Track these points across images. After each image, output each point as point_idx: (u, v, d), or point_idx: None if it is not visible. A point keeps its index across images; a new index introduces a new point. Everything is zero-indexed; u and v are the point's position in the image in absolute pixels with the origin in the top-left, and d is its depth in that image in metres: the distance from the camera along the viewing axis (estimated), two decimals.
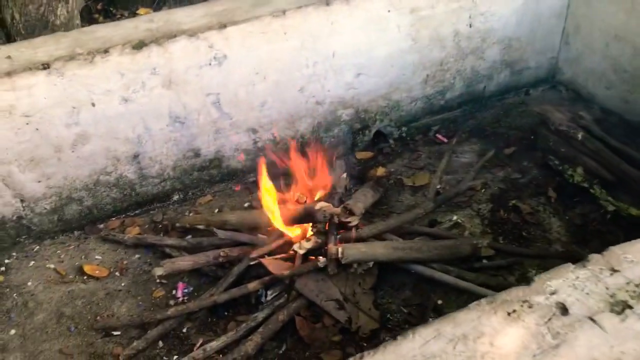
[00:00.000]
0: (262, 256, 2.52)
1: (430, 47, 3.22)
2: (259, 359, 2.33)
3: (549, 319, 1.32)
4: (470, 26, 3.24)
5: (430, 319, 2.46)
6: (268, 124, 3.05)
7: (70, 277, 2.71)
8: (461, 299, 2.53)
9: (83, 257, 2.81)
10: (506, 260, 2.66)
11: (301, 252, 2.47)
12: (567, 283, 1.42)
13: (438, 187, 3.03)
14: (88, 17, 5.18)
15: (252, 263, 2.51)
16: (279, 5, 2.78)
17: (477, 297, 2.50)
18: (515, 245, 2.78)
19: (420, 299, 2.55)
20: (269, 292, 2.47)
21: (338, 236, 2.51)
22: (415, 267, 2.55)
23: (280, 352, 2.36)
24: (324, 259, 2.44)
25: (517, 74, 3.64)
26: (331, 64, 2.99)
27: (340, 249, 2.36)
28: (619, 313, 1.32)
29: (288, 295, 2.44)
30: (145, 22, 2.68)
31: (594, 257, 1.49)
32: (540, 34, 3.51)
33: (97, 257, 2.81)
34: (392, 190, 3.15)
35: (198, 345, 2.37)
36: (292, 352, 2.36)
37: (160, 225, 2.97)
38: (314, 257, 2.53)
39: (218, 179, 3.13)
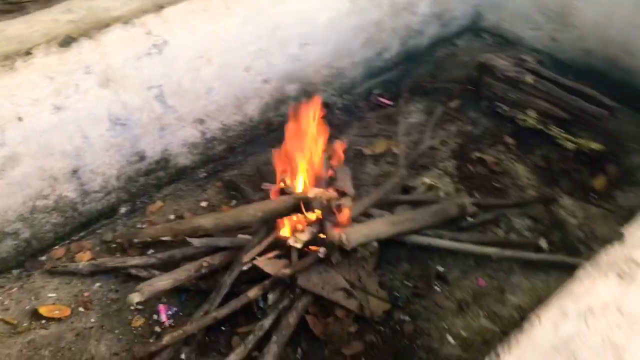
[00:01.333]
0: (254, 258, 2.28)
1: (368, 7, 3.06)
2: None
3: None
4: None
5: (437, 288, 2.41)
6: (215, 112, 2.75)
7: (25, 324, 2.29)
8: (459, 261, 2.48)
9: (33, 298, 2.38)
10: (491, 214, 2.65)
11: (298, 245, 2.26)
12: None
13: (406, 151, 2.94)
14: None
15: (245, 268, 2.26)
16: None
17: (475, 257, 2.49)
18: (492, 197, 2.78)
19: (420, 269, 2.46)
20: (269, 296, 2.25)
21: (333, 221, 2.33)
22: (411, 238, 2.45)
23: (298, 356, 2.17)
24: (324, 248, 2.26)
25: (445, 26, 3.60)
26: (276, 37, 2.74)
27: (343, 235, 2.18)
28: None
29: (293, 295, 2.23)
30: (63, 13, 2.24)
31: None
32: None
33: (50, 295, 2.39)
34: (355, 162, 3.00)
35: None
36: (310, 353, 2.17)
37: (114, 245, 2.59)
38: (308, 249, 2.34)
39: (166, 180, 2.80)
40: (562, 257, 2.41)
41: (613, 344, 1.16)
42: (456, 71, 3.59)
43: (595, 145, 2.82)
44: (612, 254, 1.35)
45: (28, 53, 2.06)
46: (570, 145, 2.89)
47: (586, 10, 3.14)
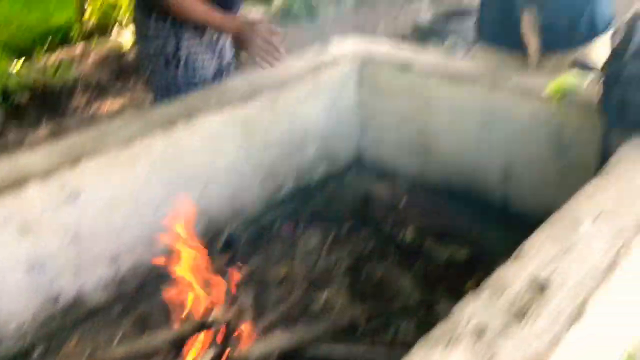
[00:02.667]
0: None
1: (260, 153, 3.57)
2: None
3: (475, 342, 1.65)
4: (292, 128, 3.69)
5: None
6: (127, 252, 3.03)
7: None
8: None
9: None
10: (380, 320, 3.00)
11: None
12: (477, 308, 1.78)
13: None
14: None
15: None
16: (124, 135, 2.88)
17: None
18: (382, 305, 3.15)
19: None
20: None
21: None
22: (309, 351, 2.73)
23: None
24: None
25: (333, 164, 4.16)
26: (180, 182, 3.14)
27: (245, 348, 2.45)
28: (520, 320, 1.71)
29: None
30: None
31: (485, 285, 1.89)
32: (344, 126, 4.11)
33: None
34: (257, 287, 3.30)
35: None
36: None
37: None
38: None
39: (82, 319, 2.98)
40: None
41: None
42: (345, 202, 4.11)
43: (464, 253, 3.32)
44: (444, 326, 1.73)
45: None
46: (443, 255, 3.37)
47: (443, 144, 3.80)
